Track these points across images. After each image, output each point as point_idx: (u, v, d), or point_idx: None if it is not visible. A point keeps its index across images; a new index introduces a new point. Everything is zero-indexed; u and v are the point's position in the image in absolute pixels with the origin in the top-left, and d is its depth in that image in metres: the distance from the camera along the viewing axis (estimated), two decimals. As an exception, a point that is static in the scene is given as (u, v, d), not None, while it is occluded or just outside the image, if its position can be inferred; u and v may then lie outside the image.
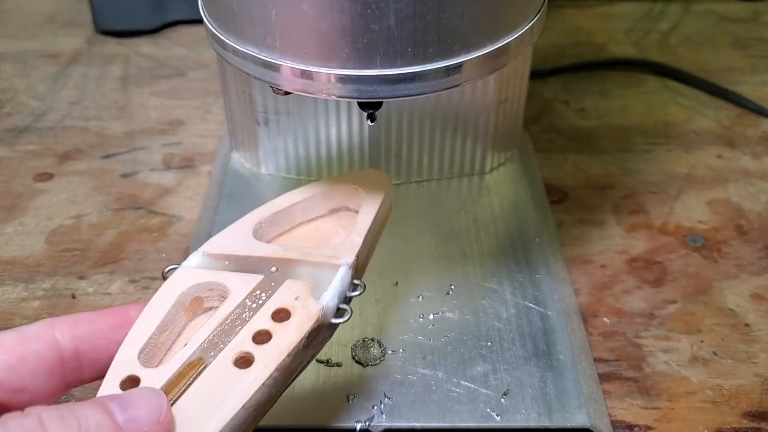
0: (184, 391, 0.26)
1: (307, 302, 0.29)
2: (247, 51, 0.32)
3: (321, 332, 0.30)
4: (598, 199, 0.53)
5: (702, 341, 0.43)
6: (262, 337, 0.28)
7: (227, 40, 0.33)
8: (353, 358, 0.40)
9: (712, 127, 0.61)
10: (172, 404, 0.26)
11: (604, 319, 0.44)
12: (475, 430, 0.37)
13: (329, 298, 0.30)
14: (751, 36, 0.74)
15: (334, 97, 0.31)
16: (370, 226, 0.34)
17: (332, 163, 0.51)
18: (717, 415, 0.39)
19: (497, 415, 0.37)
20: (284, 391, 0.29)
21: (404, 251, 0.47)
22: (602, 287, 0.46)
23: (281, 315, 0.29)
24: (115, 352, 0.28)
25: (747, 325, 0.44)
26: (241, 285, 0.30)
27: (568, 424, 0.36)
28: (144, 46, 0.72)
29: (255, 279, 0.31)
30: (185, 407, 0.26)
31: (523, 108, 0.52)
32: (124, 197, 0.53)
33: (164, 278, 0.31)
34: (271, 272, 0.32)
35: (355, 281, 0.32)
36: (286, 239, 0.35)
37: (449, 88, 0.31)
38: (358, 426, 0.37)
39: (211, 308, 0.31)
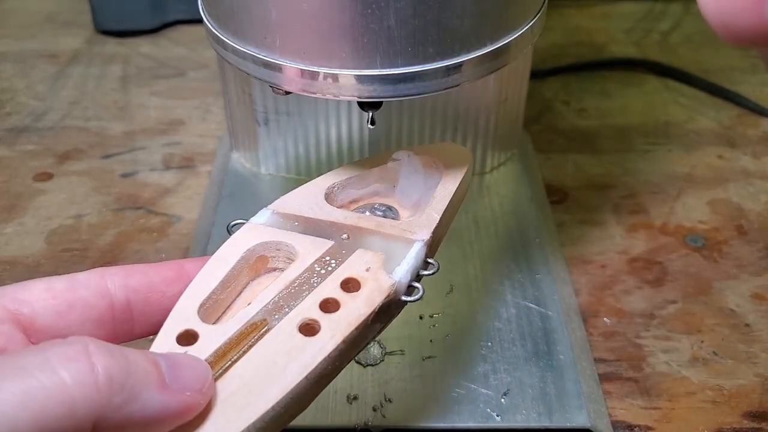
0: (245, 352, 0.25)
1: (379, 275, 0.28)
2: (247, 51, 0.32)
3: (390, 308, 0.28)
4: (599, 199, 0.53)
5: (702, 341, 0.43)
6: (329, 306, 0.27)
7: (227, 40, 0.33)
8: (353, 357, 0.40)
9: (712, 127, 0.61)
10: (231, 365, 0.25)
11: (605, 319, 0.44)
12: (476, 431, 0.36)
13: (402, 273, 0.28)
14: (751, 36, 0.73)
15: (334, 97, 0.31)
16: (449, 204, 0.32)
17: (332, 163, 0.51)
18: (717, 415, 0.39)
19: (497, 416, 0.37)
20: (346, 365, 0.27)
21: (404, 251, 0.47)
22: (602, 287, 0.46)
23: (351, 285, 0.28)
24: (169, 308, 0.26)
25: (747, 325, 0.44)
26: (310, 249, 0.29)
27: (569, 425, 0.36)
28: (144, 46, 0.72)
29: (325, 244, 0.29)
30: (244, 370, 0.24)
31: (523, 108, 0.52)
32: (123, 197, 0.53)
33: (229, 232, 0.30)
34: (342, 239, 0.30)
35: (429, 260, 0.30)
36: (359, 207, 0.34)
37: (449, 88, 0.31)
38: (358, 426, 0.36)
39: (275, 269, 0.30)
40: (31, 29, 0.76)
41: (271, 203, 0.32)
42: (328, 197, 0.32)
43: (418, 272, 0.30)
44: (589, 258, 0.48)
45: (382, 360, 0.40)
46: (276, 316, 0.27)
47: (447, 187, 0.33)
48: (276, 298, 0.27)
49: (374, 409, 0.37)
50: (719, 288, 0.46)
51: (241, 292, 0.29)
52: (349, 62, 0.30)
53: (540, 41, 0.37)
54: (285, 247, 0.29)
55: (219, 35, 0.33)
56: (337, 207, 0.32)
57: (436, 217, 0.31)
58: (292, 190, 0.35)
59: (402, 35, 0.29)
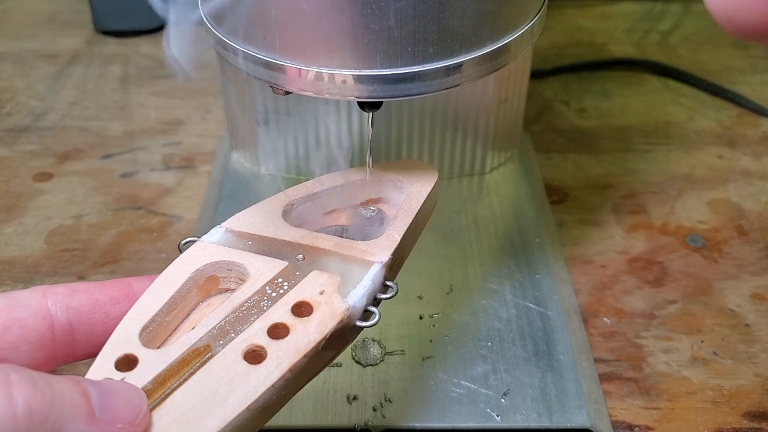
0: (186, 379, 0.24)
1: (333, 299, 0.27)
2: (247, 51, 0.32)
3: (343, 334, 0.27)
4: (599, 199, 0.53)
5: (702, 341, 0.43)
6: (278, 331, 0.25)
7: (227, 40, 0.33)
8: (353, 358, 0.40)
9: (712, 127, 0.61)
10: (170, 393, 0.23)
11: (605, 319, 0.44)
12: (475, 431, 0.36)
13: (358, 297, 0.27)
14: (751, 36, 0.73)
15: (334, 97, 0.31)
16: (411, 224, 0.31)
17: (332, 163, 0.51)
18: (717, 415, 0.39)
19: (497, 416, 0.37)
20: (293, 395, 0.26)
21: (404, 251, 0.47)
22: (602, 287, 0.46)
23: (302, 309, 0.26)
24: (113, 329, 0.25)
25: (747, 325, 0.44)
26: (262, 269, 0.28)
27: (569, 425, 0.36)
28: (144, 46, 0.72)
29: (279, 265, 0.28)
30: (184, 399, 0.23)
31: (523, 108, 0.52)
32: (123, 197, 0.53)
33: (180, 251, 0.29)
34: (298, 260, 0.29)
35: (388, 282, 0.29)
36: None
37: (449, 88, 0.31)
38: (358, 426, 0.36)
39: (226, 290, 0.29)
40: (31, 29, 0.76)
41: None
42: (286, 215, 0.31)
43: (376, 296, 0.28)
44: (589, 258, 0.48)
45: (382, 360, 0.40)
46: (221, 342, 0.25)
47: (410, 207, 0.32)
48: (222, 323, 0.26)
49: (374, 409, 0.37)
50: (719, 288, 0.46)
51: (189, 313, 0.28)
52: (349, 62, 0.30)
53: (540, 41, 0.37)
54: (236, 267, 0.28)
55: (219, 36, 0.33)
56: (296, 226, 0.31)
57: (397, 238, 0.30)
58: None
59: (402, 35, 0.29)
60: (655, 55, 0.70)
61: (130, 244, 0.49)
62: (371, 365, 0.39)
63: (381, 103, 0.32)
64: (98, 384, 0.22)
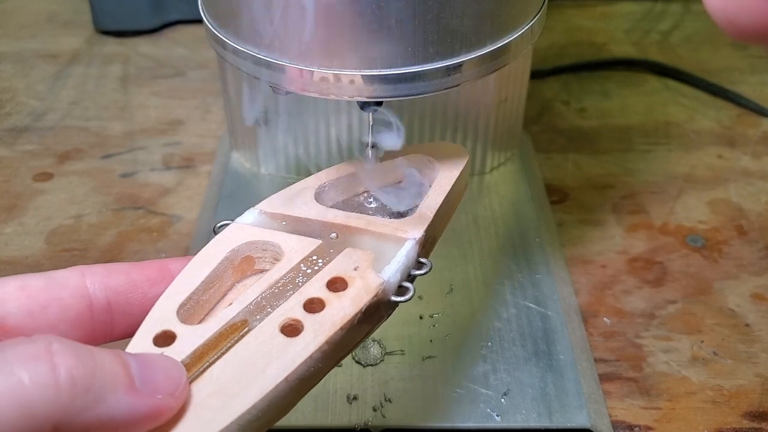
0: (224, 353, 0.24)
1: (367, 274, 0.27)
2: (247, 51, 0.32)
3: (378, 310, 0.27)
4: (599, 199, 0.53)
5: (702, 341, 0.43)
6: (314, 306, 0.26)
7: (227, 40, 0.33)
8: (353, 358, 0.40)
9: (712, 127, 0.61)
10: (208, 367, 0.24)
11: (605, 319, 0.44)
12: (475, 431, 0.36)
13: (392, 272, 0.27)
14: (751, 36, 0.73)
15: (334, 97, 0.31)
16: (443, 202, 0.31)
17: (332, 163, 0.51)
18: (717, 415, 0.39)
19: (497, 416, 0.37)
20: (330, 369, 0.26)
21: (404, 251, 0.47)
22: (602, 287, 0.46)
23: (337, 284, 0.27)
24: (150, 308, 0.25)
25: (747, 325, 0.44)
26: (297, 248, 0.28)
27: (569, 425, 0.36)
28: (144, 46, 0.72)
29: (313, 243, 0.28)
30: (222, 371, 0.24)
31: (523, 108, 0.52)
32: (123, 197, 0.53)
33: (215, 233, 0.29)
34: (331, 238, 0.29)
35: (422, 259, 0.29)
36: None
37: (449, 88, 0.31)
38: (358, 426, 0.36)
39: (262, 270, 0.29)
40: (31, 29, 0.76)
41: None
42: (318, 196, 0.32)
43: (410, 272, 0.29)
44: (589, 258, 0.48)
45: (382, 360, 0.40)
46: (257, 317, 0.26)
47: (442, 185, 0.32)
48: (258, 298, 0.26)
49: (374, 409, 0.37)
50: (719, 288, 0.46)
51: (226, 293, 0.28)
52: (349, 62, 0.30)
53: (540, 41, 0.37)
54: (271, 246, 0.29)
55: (219, 35, 0.33)
56: (329, 207, 0.32)
57: (430, 216, 0.30)
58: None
59: (402, 35, 0.29)
60: (655, 55, 0.70)
61: (130, 244, 0.49)
62: (371, 365, 0.39)
63: (381, 103, 0.32)
64: (138, 356, 0.22)
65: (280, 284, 0.27)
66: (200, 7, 0.35)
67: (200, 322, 0.26)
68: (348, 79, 0.30)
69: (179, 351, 0.24)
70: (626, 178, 0.55)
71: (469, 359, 0.40)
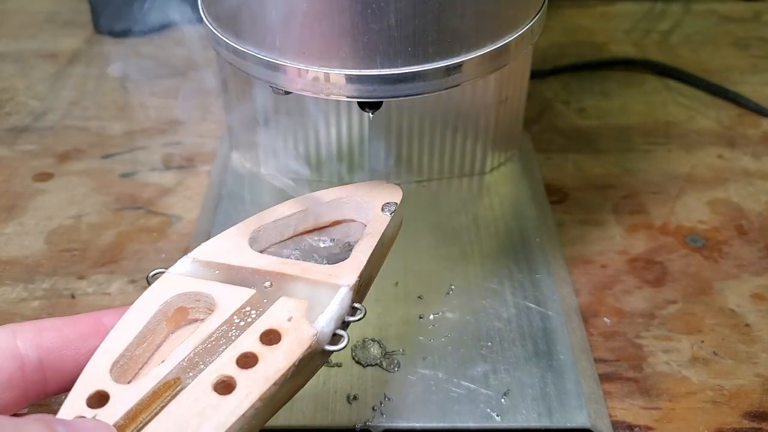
0: (157, 413, 0.24)
1: (301, 325, 0.27)
2: (247, 51, 0.32)
3: (313, 359, 0.27)
4: (599, 199, 0.53)
5: (702, 341, 0.43)
6: (247, 361, 0.25)
7: (227, 40, 0.33)
8: (353, 358, 0.40)
9: (712, 127, 0.61)
10: (142, 427, 0.24)
11: (605, 319, 0.44)
12: (475, 431, 0.36)
13: (325, 322, 0.27)
14: (751, 36, 0.74)
15: (334, 97, 0.31)
16: (377, 245, 0.31)
17: (332, 163, 0.51)
18: (717, 415, 0.39)
19: (497, 416, 0.37)
20: (266, 422, 0.26)
21: (404, 251, 0.47)
22: (602, 287, 0.46)
23: (271, 337, 0.26)
24: (84, 364, 0.25)
25: (747, 325, 0.44)
26: (230, 299, 0.28)
27: (569, 425, 0.36)
28: (144, 46, 0.72)
29: (246, 293, 0.28)
30: None
31: (523, 108, 0.52)
32: (123, 197, 0.53)
33: (149, 283, 0.29)
34: (265, 287, 0.29)
35: (355, 305, 0.29)
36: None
37: (449, 88, 0.31)
38: (358, 426, 0.36)
39: (196, 320, 0.29)
40: (31, 29, 0.76)
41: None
42: (254, 242, 0.31)
43: (344, 319, 0.28)
44: (589, 258, 0.48)
45: (382, 360, 0.40)
46: (191, 374, 0.25)
47: (376, 227, 0.32)
48: (191, 354, 0.26)
49: (374, 409, 0.37)
50: (719, 288, 0.46)
51: (160, 345, 0.28)
52: (349, 62, 0.30)
53: (540, 41, 0.37)
54: (204, 297, 0.28)
55: (219, 35, 0.33)
56: (263, 252, 0.31)
57: (363, 260, 0.30)
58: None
59: (402, 35, 0.29)
60: (655, 55, 0.70)
61: (130, 244, 0.49)
62: (371, 365, 0.39)
63: (381, 103, 0.32)
64: (69, 424, 0.22)
65: (213, 338, 0.27)
66: (200, 7, 0.35)
67: (134, 378, 0.26)
68: (347, 79, 0.30)
69: (113, 412, 0.24)
70: (626, 178, 0.55)
71: (469, 359, 0.40)
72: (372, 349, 0.40)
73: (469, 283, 0.44)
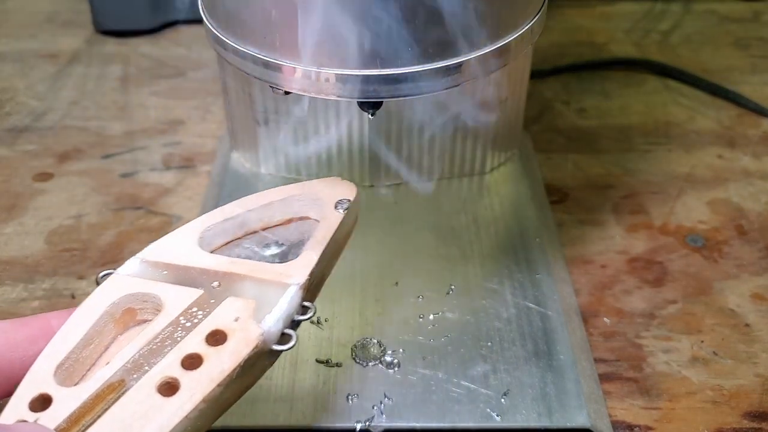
0: (100, 416, 0.24)
1: (247, 325, 0.26)
2: (247, 51, 0.32)
3: (261, 359, 0.27)
4: (599, 199, 0.53)
5: (702, 341, 0.43)
6: (192, 362, 0.25)
7: (227, 40, 0.33)
8: (353, 358, 0.40)
9: (712, 127, 0.61)
10: (85, 430, 0.23)
11: (605, 319, 0.44)
12: (475, 431, 0.36)
13: (273, 321, 0.27)
14: (751, 36, 0.74)
15: (334, 97, 0.31)
16: (329, 242, 0.31)
17: (332, 163, 0.51)
18: (717, 415, 0.39)
19: (497, 416, 0.37)
20: (214, 422, 0.26)
21: (404, 251, 0.47)
22: (602, 287, 0.46)
23: (217, 337, 0.26)
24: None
25: (747, 325, 0.44)
26: (176, 299, 0.27)
27: (569, 425, 0.36)
28: (144, 46, 0.72)
29: (193, 294, 0.28)
30: None
31: (523, 108, 0.52)
32: (123, 197, 0.53)
33: (98, 283, 0.28)
34: (213, 287, 0.28)
35: (306, 303, 0.28)
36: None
37: (449, 88, 0.31)
38: (358, 426, 0.36)
39: (145, 321, 0.28)
40: (31, 29, 0.76)
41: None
42: (203, 242, 0.31)
43: (293, 318, 0.28)
44: (589, 258, 0.48)
45: (382, 359, 0.40)
46: (135, 376, 0.25)
47: (329, 225, 0.31)
48: (136, 356, 0.26)
49: (374, 409, 0.37)
50: (719, 288, 0.46)
51: (108, 347, 0.27)
52: (349, 62, 0.30)
53: (540, 41, 0.37)
54: (151, 298, 0.28)
55: (219, 35, 0.33)
56: (213, 252, 0.31)
57: (315, 258, 0.29)
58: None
59: (402, 35, 0.29)
60: (655, 55, 0.70)
61: (130, 244, 0.49)
62: (371, 365, 0.39)
63: (381, 103, 0.32)
64: (8, 428, 0.22)
65: (158, 340, 0.26)
66: (200, 7, 0.35)
67: (80, 380, 0.26)
68: (348, 79, 0.30)
69: (55, 415, 0.24)
70: (626, 178, 0.55)
71: (469, 359, 0.40)
72: (372, 349, 0.40)
73: (469, 283, 0.44)
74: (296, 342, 0.27)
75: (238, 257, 0.31)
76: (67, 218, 0.52)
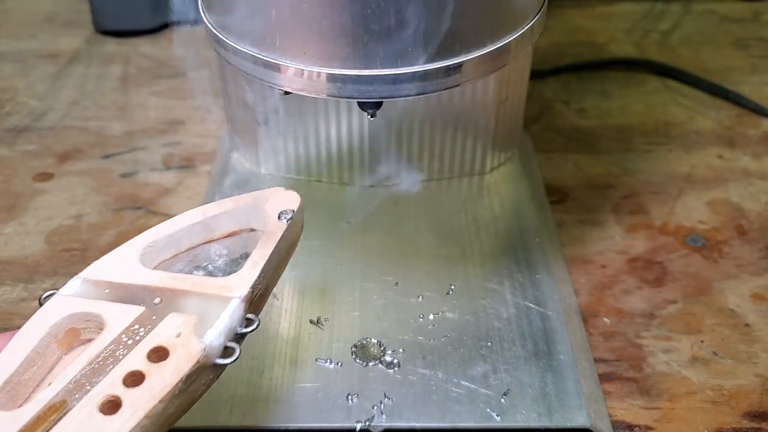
0: None
1: (189, 340, 0.26)
2: (247, 51, 0.32)
3: (204, 374, 0.27)
4: (599, 199, 0.53)
5: (702, 341, 0.43)
6: (134, 379, 0.25)
7: (227, 40, 0.33)
8: (353, 357, 0.40)
9: (712, 127, 0.61)
10: None
11: (605, 319, 0.44)
12: (475, 431, 0.36)
13: (215, 336, 0.27)
14: (751, 36, 0.74)
15: (334, 97, 0.31)
16: (272, 254, 0.30)
17: (332, 163, 0.51)
18: (717, 415, 0.39)
19: (497, 416, 0.37)
20: None
21: (404, 251, 0.47)
22: (602, 287, 0.46)
23: (159, 354, 0.26)
24: None
25: (747, 325, 0.44)
26: (118, 317, 0.27)
27: (569, 425, 0.36)
28: (144, 46, 0.72)
29: (135, 311, 0.28)
30: None
31: (523, 108, 0.52)
32: (123, 197, 0.53)
33: (41, 305, 0.28)
34: (155, 304, 0.28)
35: (249, 316, 0.28)
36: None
37: (449, 88, 0.31)
38: (358, 426, 0.36)
39: (89, 340, 0.28)
40: (31, 29, 0.76)
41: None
42: (146, 258, 0.31)
43: (236, 331, 0.28)
44: (589, 258, 0.48)
45: (382, 359, 0.40)
46: (77, 396, 0.25)
47: (272, 236, 0.31)
48: (78, 376, 0.26)
49: (374, 409, 0.37)
50: (719, 288, 0.46)
51: (52, 368, 0.27)
52: (349, 62, 0.30)
53: (540, 41, 0.37)
54: (93, 317, 0.28)
55: (219, 35, 0.33)
56: (156, 268, 0.31)
57: (257, 271, 0.29)
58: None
59: (402, 35, 0.29)
60: (655, 55, 0.70)
61: (130, 244, 0.49)
62: (371, 365, 0.39)
63: (381, 103, 0.32)
64: None
65: (100, 359, 0.26)
66: (200, 8, 0.35)
67: (25, 403, 0.26)
68: (348, 79, 0.30)
69: None
70: (626, 178, 0.55)
71: (469, 359, 0.40)
72: (372, 349, 0.40)
73: (469, 283, 0.44)
74: (240, 354, 0.27)
75: (180, 272, 0.31)
76: (67, 218, 0.52)
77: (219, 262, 0.33)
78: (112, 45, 0.72)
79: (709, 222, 0.51)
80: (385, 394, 0.38)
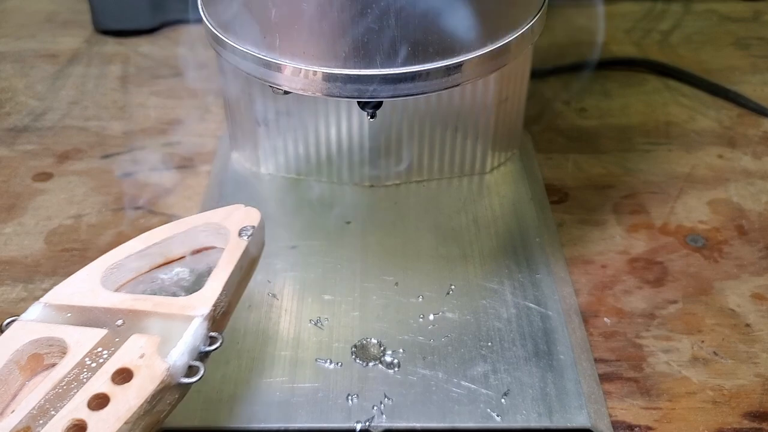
0: None
1: (152, 361, 0.26)
2: (247, 51, 0.32)
3: (169, 393, 0.27)
4: (599, 199, 0.53)
5: (703, 341, 0.43)
6: (99, 402, 0.25)
7: (227, 40, 0.32)
8: (353, 358, 0.40)
9: (713, 127, 0.61)
10: None
11: (605, 319, 0.44)
12: (475, 431, 0.36)
13: (178, 355, 0.27)
14: (752, 36, 0.74)
15: (334, 97, 0.31)
16: (233, 271, 0.31)
17: (332, 163, 0.51)
18: (717, 415, 0.39)
19: (497, 416, 0.37)
20: None
21: (404, 251, 0.47)
22: (603, 287, 0.46)
23: (123, 375, 0.26)
24: None
25: (748, 325, 0.44)
26: (81, 341, 0.27)
27: (569, 425, 0.36)
28: (143, 45, 0.72)
29: (97, 334, 0.28)
30: None
31: (524, 108, 0.52)
32: (123, 197, 0.53)
33: (2, 332, 0.28)
34: (117, 326, 0.28)
35: (212, 334, 0.29)
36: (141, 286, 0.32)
37: (449, 87, 0.31)
38: (358, 426, 0.36)
39: (53, 365, 0.28)
40: (31, 29, 0.76)
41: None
42: (107, 281, 0.31)
43: (200, 350, 0.28)
44: (589, 258, 0.48)
45: (382, 359, 0.40)
46: (41, 421, 0.25)
47: (232, 254, 0.31)
48: (42, 401, 0.26)
49: (374, 409, 0.37)
50: (719, 288, 0.46)
51: (16, 394, 0.27)
52: (349, 62, 0.30)
53: (540, 41, 0.37)
54: (56, 342, 0.28)
55: (219, 35, 0.33)
56: (117, 290, 0.31)
57: (218, 289, 0.30)
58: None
59: (402, 35, 0.29)
60: (656, 55, 0.70)
61: (129, 244, 0.49)
62: (371, 365, 0.39)
63: (381, 103, 0.32)
64: None
65: (64, 383, 0.26)
66: (200, 7, 0.35)
67: None
68: (347, 79, 0.30)
69: None
70: (626, 178, 0.55)
71: (469, 359, 0.40)
72: (372, 349, 0.40)
73: (469, 283, 0.44)
74: (204, 373, 0.27)
75: (143, 293, 0.31)
76: (67, 218, 0.52)
77: (181, 281, 0.32)
78: (111, 45, 0.72)
79: (709, 222, 0.51)
80: (385, 395, 0.38)
